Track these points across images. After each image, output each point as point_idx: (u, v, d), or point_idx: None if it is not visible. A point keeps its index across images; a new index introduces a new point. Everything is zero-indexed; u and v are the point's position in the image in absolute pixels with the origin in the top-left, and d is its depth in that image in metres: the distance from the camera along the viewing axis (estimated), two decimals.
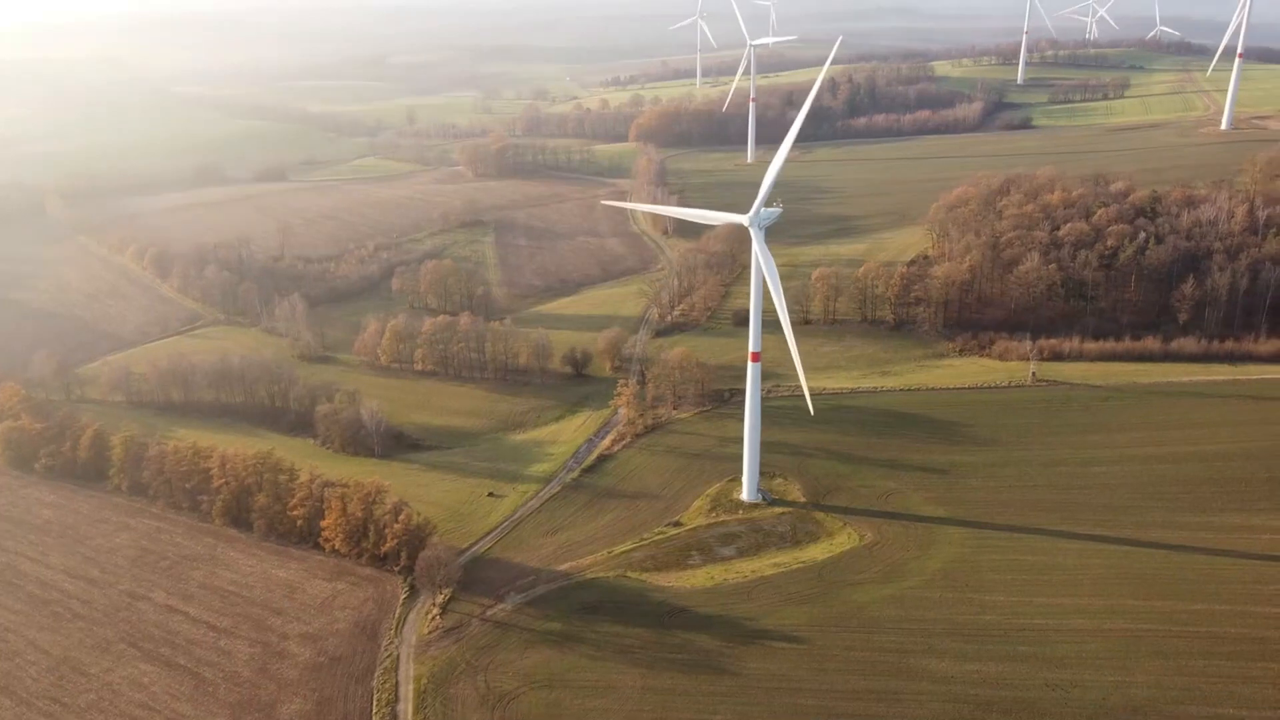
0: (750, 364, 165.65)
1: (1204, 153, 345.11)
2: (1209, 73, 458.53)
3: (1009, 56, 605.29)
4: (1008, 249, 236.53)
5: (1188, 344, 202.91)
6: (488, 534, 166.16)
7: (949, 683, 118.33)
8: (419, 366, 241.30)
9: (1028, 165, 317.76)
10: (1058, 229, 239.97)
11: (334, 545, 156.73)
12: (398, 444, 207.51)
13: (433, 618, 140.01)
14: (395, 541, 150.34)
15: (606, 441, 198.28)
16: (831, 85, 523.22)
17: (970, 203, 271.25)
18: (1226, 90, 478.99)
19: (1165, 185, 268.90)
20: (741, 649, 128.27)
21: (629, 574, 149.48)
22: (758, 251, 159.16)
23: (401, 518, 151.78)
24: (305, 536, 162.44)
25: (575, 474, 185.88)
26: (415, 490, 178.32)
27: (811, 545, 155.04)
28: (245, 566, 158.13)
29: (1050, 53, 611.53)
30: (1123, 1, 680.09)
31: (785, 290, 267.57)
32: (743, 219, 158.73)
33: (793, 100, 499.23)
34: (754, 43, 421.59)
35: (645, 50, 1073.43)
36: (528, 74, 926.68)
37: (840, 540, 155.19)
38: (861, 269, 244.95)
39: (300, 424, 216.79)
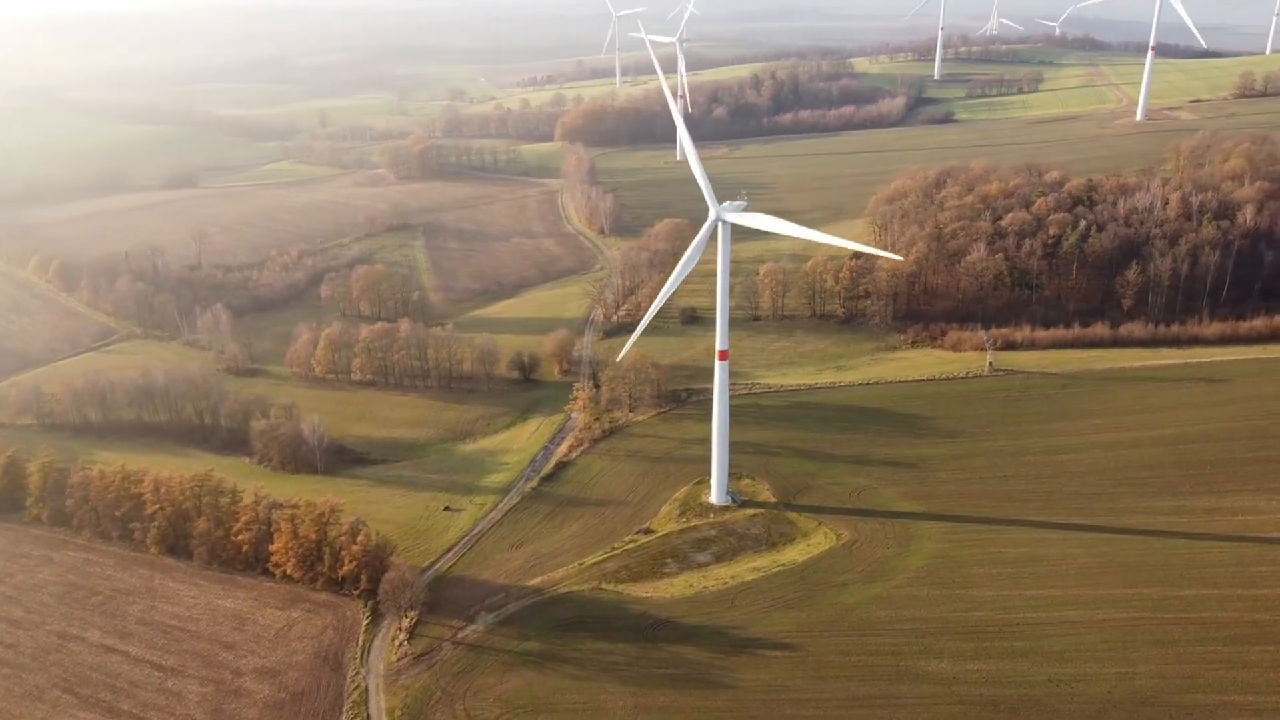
0: (718, 363, 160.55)
1: (1124, 143, 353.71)
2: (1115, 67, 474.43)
3: (924, 53, 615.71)
4: (952, 240, 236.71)
5: (1136, 329, 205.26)
6: (448, 551, 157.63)
7: (951, 684, 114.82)
8: (357, 376, 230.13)
9: (954, 158, 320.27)
10: (1000, 219, 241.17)
11: (285, 571, 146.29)
12: (340, 459, 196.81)
13: (400, 644, 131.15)
14: (354, 564, 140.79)
15: (564, 448, 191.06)
16: (755, 82, 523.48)
17: (910, 195, 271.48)
18: (1133, 84, 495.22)
19: (1093, 174, 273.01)
20: (733, 660, 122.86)
21: (604, 586, 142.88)
22: (722, 244, 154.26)
23: (360, 539, 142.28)
24: (252, 563, 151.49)
25: (534, 483, 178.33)
26: (365, 507, 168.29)
27: (788, 547, 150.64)
28: (187, 598, 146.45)
29: (964, 49, 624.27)
30: (1023, 3, 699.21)
31: (733, 287, 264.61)
32: (714, 207, 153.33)
33: (718, 97, 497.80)
34: (682, 40, 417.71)
35: (558, 50, 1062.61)
36: (440, 75, 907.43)
37: (817, 540, 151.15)
38: (809, 263, 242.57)
39: (233, 442, 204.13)
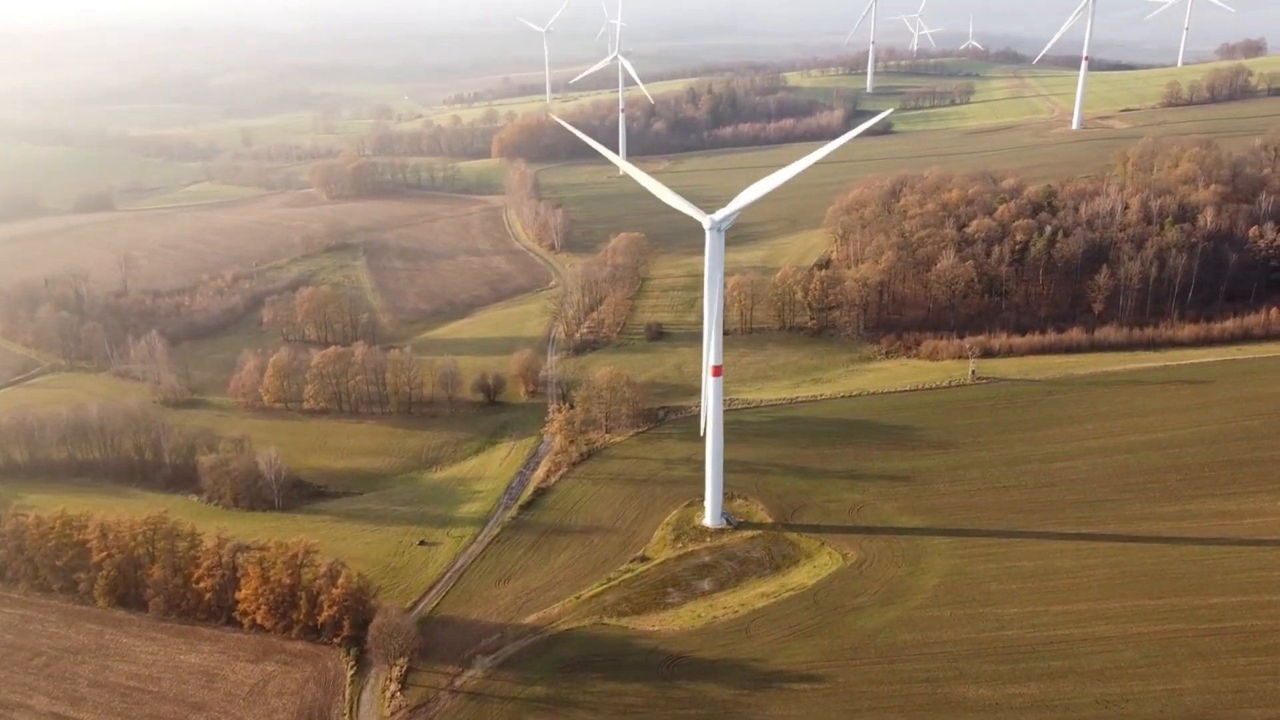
0: (710, 378, 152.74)
1: (1065, 150, 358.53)
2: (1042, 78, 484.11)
3: (854, 67, 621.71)
4: (920, 248, 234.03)
5: (1111, 333, 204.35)
6: (430, 589, 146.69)
7: (994, 710, 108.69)
8: (309, 404, 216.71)
9: (902, 168, 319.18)
10: (965, 226, 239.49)
11: (255, 619, 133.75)
12: (298, 493, 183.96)
13: (393, 695, 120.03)
14: (334, 609, 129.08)
15: (540, 473, 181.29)
16: (692, 96, 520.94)
17: (869, 204, 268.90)
18: (1060, 94, 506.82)
19: (1044, 181, 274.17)
20: (758, 696, 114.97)
21: (606, 620, 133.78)
22: (710, 255, 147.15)
23: (340, 581, 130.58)
24: (215, 612, 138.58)
25: (513, 512, 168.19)
26: (333, 545, 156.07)
27: (794, 570, 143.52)
28: (145, 655, 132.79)
29: (892, 63, 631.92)
30: (938, 18, 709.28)
31: (697, 301, 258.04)
32: (703, 219, 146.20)
33: (656, 111, 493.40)
34: (621, 54, 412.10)
35: (479, 68, 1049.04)
36: (360, 93, 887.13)
37: (823, 561, 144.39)
38: (779, 274, 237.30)
39: (179, 479, 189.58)
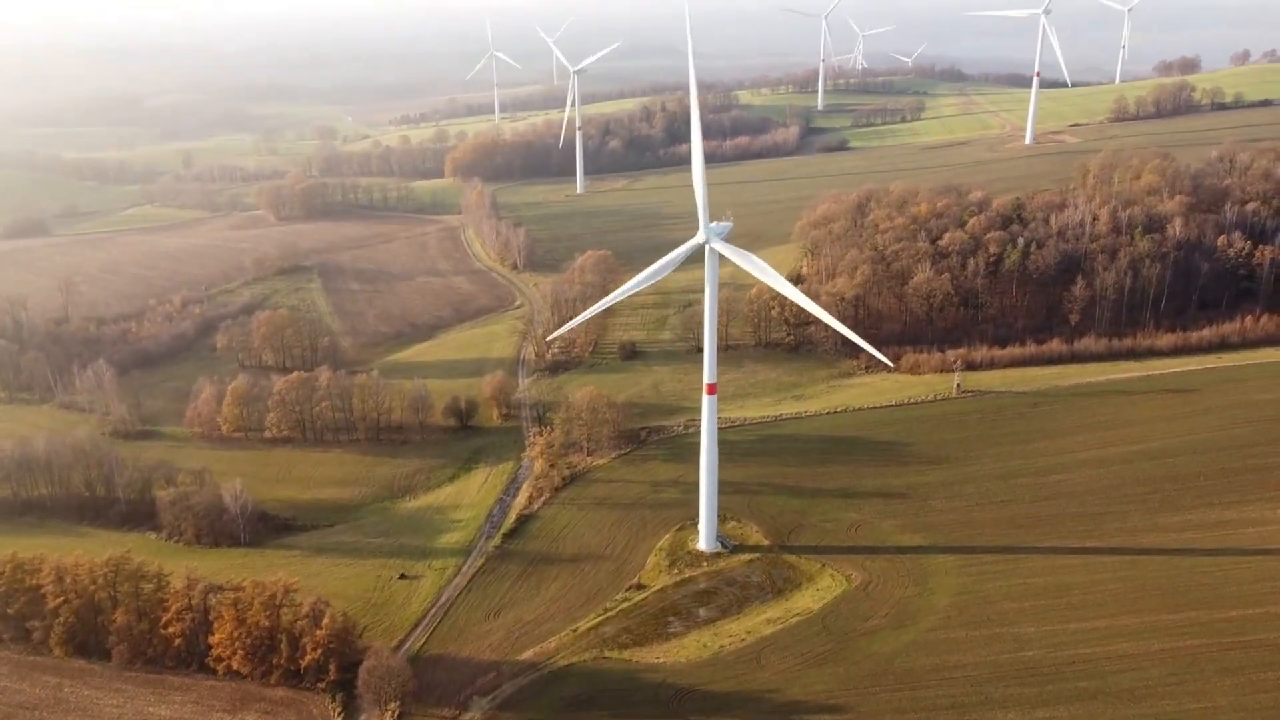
0: (705, 396, 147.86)
1: (1021, 164, 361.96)
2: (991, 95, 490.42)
3: (803, 85, 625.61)
4: (895, 261, 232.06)
5: (1092, 343, 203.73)
6: (416, 625, 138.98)
7: None
8: (271, 433, 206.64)
9: (861, 183, 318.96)
10: (938, 239, 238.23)
11: (230, 665, 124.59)
12: (265, 527, 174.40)
13: None
14: (319, 652, 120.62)
15: (522, 499, 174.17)
16: (646, 114, 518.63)
17: (840, 218, 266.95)
18: (1008, 110, 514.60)
19: (1007, 194, 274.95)
20: None
21: (607, 654, 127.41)
22: (709, 271, 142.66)
23: (325, 622, 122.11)
24: (186, 659, 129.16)
25: (496, 541, 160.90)
26: (308, 582, 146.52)
27: (797, 594, 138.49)
28: (109, 708, 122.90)
29: (842, 81, 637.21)
30: (879, 40, 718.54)
31: (677, 321, 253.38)
32: (698, 239, 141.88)
33: (611, 130, 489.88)
34: (575, 68, 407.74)
35: (424, 89, 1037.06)
36: (301, 115, 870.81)
37: (826, 584, 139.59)
38: (754, 290, 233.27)
39: (135, 515, 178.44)
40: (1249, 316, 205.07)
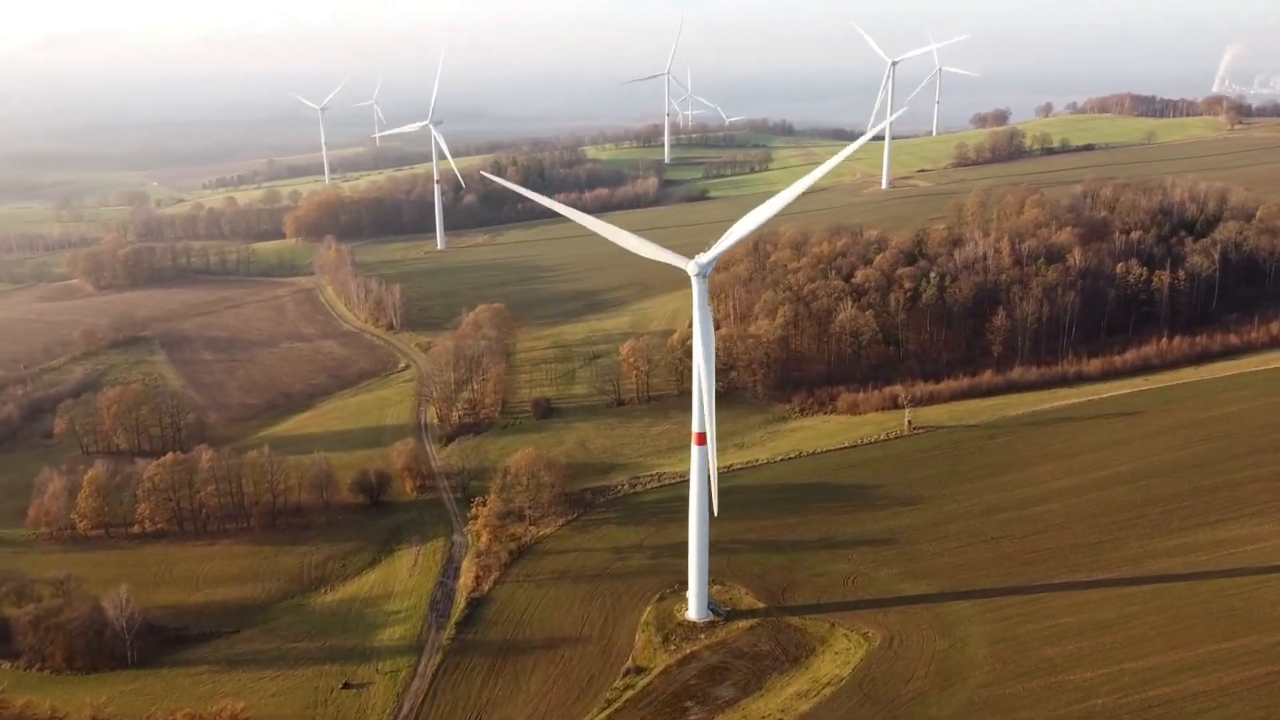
0: (695, 448, 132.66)
1: (886, 207, 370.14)
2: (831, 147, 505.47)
3: (646, 140, 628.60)
4: (814, 301, 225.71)
5: (1026, 373, 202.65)
6: None
7: None
8: (141, 527, 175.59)
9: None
10: (850, 277, 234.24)
11: None
12: (153, 641, 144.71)
13: None
14: None
15: (467, 580, 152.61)
16: (499, 169, 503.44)
17: (740, 261, 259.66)
18: (853, 159, 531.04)
19: (890, 233, 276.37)
20: None
21: None
22: (698, 306, 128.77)
23: None
24: None
25: (450, 632, 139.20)
26: (230, 704, 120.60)
27: (816, 660, 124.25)
28: None
29: (684, 135, 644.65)
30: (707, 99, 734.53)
31: (587, 374, 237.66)
32: (687, 264, 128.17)
33: (463, 184, 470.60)
34: (433, 123, 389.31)
35: (234, 152, 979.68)
36: (97, 182, 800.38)
37: (844, 646, 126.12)
38: (675, 336, 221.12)
39: None
40: (1163, 339, 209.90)
